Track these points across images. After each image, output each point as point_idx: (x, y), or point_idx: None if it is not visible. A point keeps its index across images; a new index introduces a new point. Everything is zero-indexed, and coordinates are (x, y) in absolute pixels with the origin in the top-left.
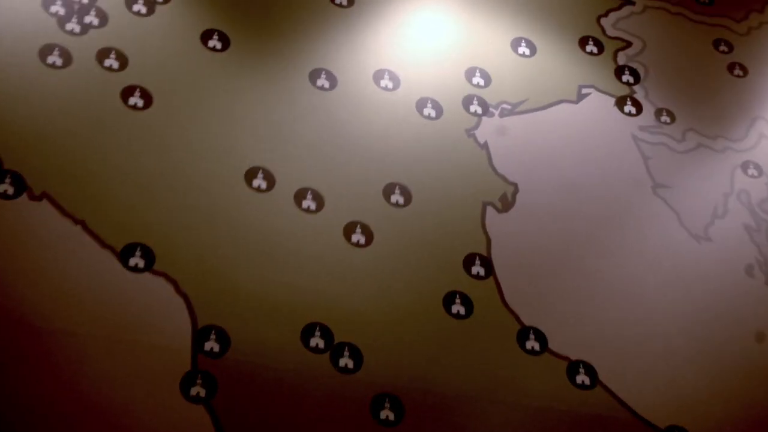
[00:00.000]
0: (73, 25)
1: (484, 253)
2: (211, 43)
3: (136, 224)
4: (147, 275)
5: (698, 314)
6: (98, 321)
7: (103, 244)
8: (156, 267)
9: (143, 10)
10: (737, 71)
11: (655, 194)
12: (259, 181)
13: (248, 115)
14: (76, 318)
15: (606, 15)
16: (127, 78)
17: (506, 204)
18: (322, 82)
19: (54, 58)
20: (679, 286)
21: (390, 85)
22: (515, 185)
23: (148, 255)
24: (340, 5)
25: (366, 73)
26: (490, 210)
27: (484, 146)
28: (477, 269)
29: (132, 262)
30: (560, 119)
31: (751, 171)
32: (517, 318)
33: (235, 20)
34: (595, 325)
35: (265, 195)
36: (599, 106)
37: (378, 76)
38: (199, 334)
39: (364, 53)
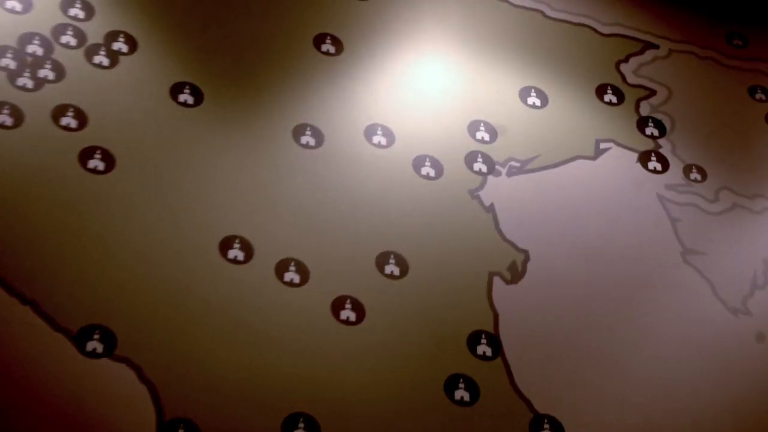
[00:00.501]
0: (25, 80)
1: (491, 330)
2: (182, 98)
3: (96, 303)
4: (106, 361)
5: (736, 400)
6: (50, 415)
7: (57, 327)
8: (117, 352)
9: (105, 62)
10: None
11: (686, 262)
12: (235, 252)
13: (223, 178)
14: (24, 411)
15: (626, 60)
16: (87, 138)
17: (516, 274)
18: (307, 139)
19: (3, 117)
20: (714, 366)
21: (383, 141)
22: (525, 252)
23: (109, 338)
24: (327, 53)
25: (356, 128)
26: (497, 281)
27: (491, 209)
28: (483, 348)
29: (90, 346)
30: (576, 178)
31: None
32: (529, 404)
33: (208, 72)
34: (618, 412)
35: (242, 267)
36: (620, 162)
37: (370, 131)
38: (166, 428)
39: (354, 107)
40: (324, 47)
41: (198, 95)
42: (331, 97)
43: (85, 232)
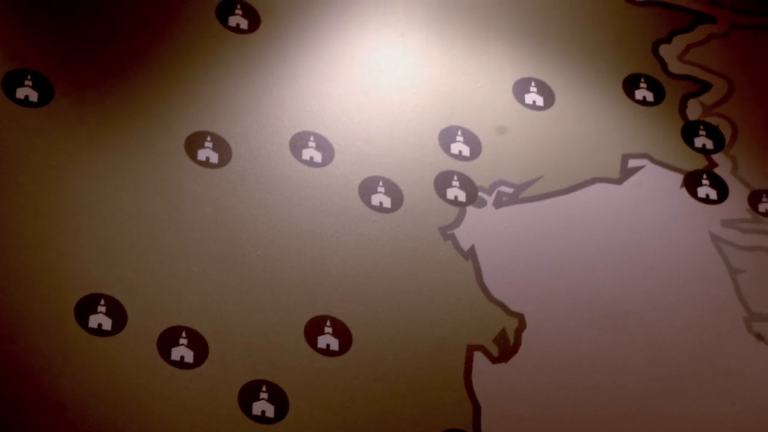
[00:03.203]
0: None
1: (469, 430)
2: (21, 93)
3: None
4: None
5: None
6: None
7: None
8: None
9: None
10: None
11: (751, 331)
12: (99, 318)
13: (82, 213)
14: None
15: (668, 39)
16: None
17: (506, 348)
18: (207, 153)
19: None
20: None
21: (317, 157)
22: (520, 317)
23: None
24: (237, 29)
25: (278, 138)
26: (479, 358)
27: (471, 254)
28: None
29: None
30: (594, 209)
31: None
32: None
33: (59, 55)
34: None
35: (111, 339)
36: (657, 187)
37: (298, 142)
38: None
39: (274, 107)
40: (232, 20)
41: (44, 89)
42: (242, 93)
43: None
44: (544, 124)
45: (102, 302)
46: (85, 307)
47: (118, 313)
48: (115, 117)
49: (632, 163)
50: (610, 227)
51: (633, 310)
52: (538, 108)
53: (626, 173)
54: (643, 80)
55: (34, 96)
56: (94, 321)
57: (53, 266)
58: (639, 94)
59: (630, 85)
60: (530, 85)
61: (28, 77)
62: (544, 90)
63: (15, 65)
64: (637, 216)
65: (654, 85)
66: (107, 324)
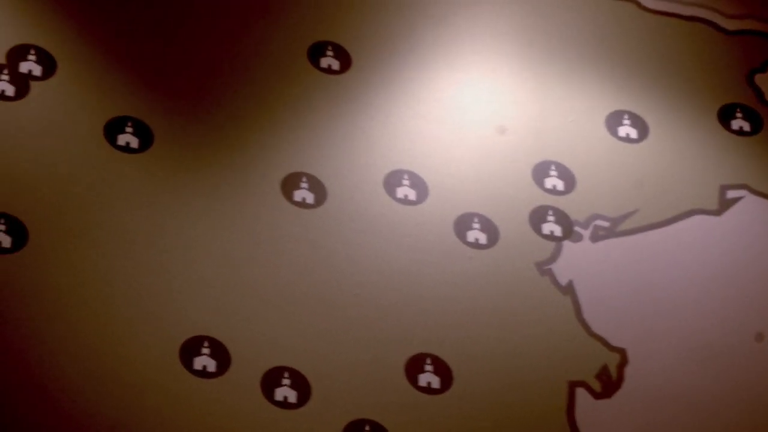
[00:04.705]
0: None
1: None
2: (122, 139)
3: None
4: None
5: None
6: None
7: None
8: None
9: (9, 90)
10: None
11: None
12: (204, 360)
13: (182, 259)
14: None
15: (763, 69)
16: None
17: (608, 384)
18: (303, 194)
19: None
20: None
21: (412, 195)
22: (621, 352)
23: None
24: (329, 70)
25: (372, 177)
26: (581, 394)
27: (568, 289)
28: None
29: None
30: (693, 241)
31: None
32: None
33: (159, 102)
34: None
35: (216, 381)
36: (758, 218)
37: (392, 181)
38: None
39: (368, 147)
40: (324, 61)
41: (145, 135)
42: (335, 133)
43: None
44: (639, 157)
45: (206, 344)
46: (190, 349)
47: (221, 354)
48: (210, 161)
49: (731, 194)
50: (709, 259)
51: (735, 343)
52: (632, 141)
53: (725, 204)
54: (738, 110)
55: (134, 142)
56: (198, 363)
57: (156, 310)
58: (735, 124)
59: (725, 115)
60: (623, 117)
61: (129, 124)
62: (638, 122)
63: (116, 112)
64: (737, 247)
65: (750, 115)
66: (212, 366)
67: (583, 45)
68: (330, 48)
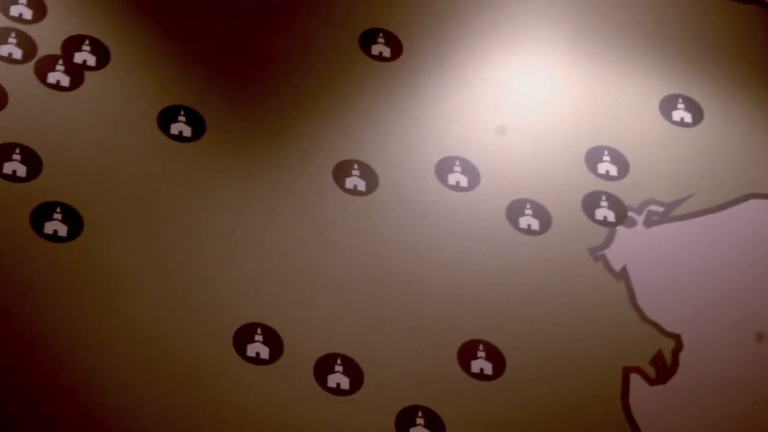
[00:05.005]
0: None
1: None
2: (175, 128)
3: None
4: None
5: None
6: None
7: None
8: None
9: (64, 80)
10: None
11: None
12: (257, 347)
13: (236, 246)
14: None
15: None
16: (40, 191)
17: (663, 370)
18: (354, 181)
19: None
20: None
21: (464, 181)
22: (676, 338)
23: None
24: (381, 57)
25: (424, 164)
26: (636, 380)
27: (622, 274)
28: None
29: None
30: (749, 225)
31: None
32: None
33: (211, 91)
34: None
35: (269, 368)
36: None
37: (444, 168)
38: None
39: (419, 133)
40: (375, 49)
41: (197, 124)
42: (386, 120)
43: (45, 323)
44: (693, 141)
45: (259, 331)
46: (243, 336)
47: (274, 341)
48: (262, 149)
49: None
50: (764, 244)
51: None
52: (687, 125)
53: None
54: None
55: (187, 131)
56: (252, 350)
57: (208, 298)
58: None
59: None
60: (677, 101)
61: (182, 113)
62: (692, 106)
63: (169, 101)
64: None
65: None
66: (265, 353)
67: (636, 28)
68: (381, 35)
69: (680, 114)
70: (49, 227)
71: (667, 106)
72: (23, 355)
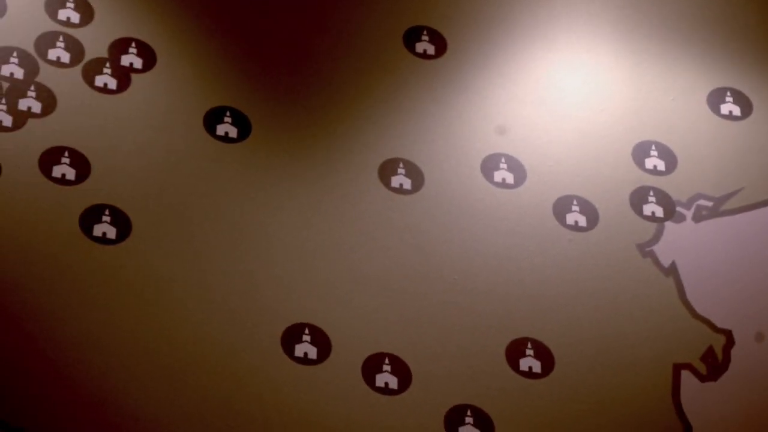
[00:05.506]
0: (1, 115)
1: None
2: (221, 129)
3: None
4: None
5: None
6: None
7: None
8: None
9: (111, 83)
10: None
11: None
12: (305, 347)
13: (282, 246)
14: None
15: None
16: (89, 193)
17: (715, 366)
18: (400, 180)
19: None
20: None
21: (510, 178)
22: (727, 333)
23: None
24: (425, 55)
25: (469, 161)
26: (687, 377)
27: (671, 270)
28: None
29: None
30: None
31: None
32: None
33: (256, 92)
34: None
35: (317, 368)
36: None
37: (490, 165)
38: None
39: (464, 131)
40: (419, 46)
41: (243, 125)
42: (431, 118)
43: (93, 322)
44: (742, 135)
45: (306, 331)
46: (291, 336)
47: (322, 341)
48: (308, 148)
49: None
50: None
51: None
52: (735, 118)
53: None
54: None
55: (233, 132)
56: (300, 350)
57: (256, 298)
58: None
59: None
60: (726, 95)
61: (228, 114)
62: (741, 99)
63: (215, 103)
64: None
65: None
66: (313, 353)
67: (681, 22)
68: (425, 32)
69: (728, 107)
70: (98, 230)
71: (715, 99)
72: (70, 357)
